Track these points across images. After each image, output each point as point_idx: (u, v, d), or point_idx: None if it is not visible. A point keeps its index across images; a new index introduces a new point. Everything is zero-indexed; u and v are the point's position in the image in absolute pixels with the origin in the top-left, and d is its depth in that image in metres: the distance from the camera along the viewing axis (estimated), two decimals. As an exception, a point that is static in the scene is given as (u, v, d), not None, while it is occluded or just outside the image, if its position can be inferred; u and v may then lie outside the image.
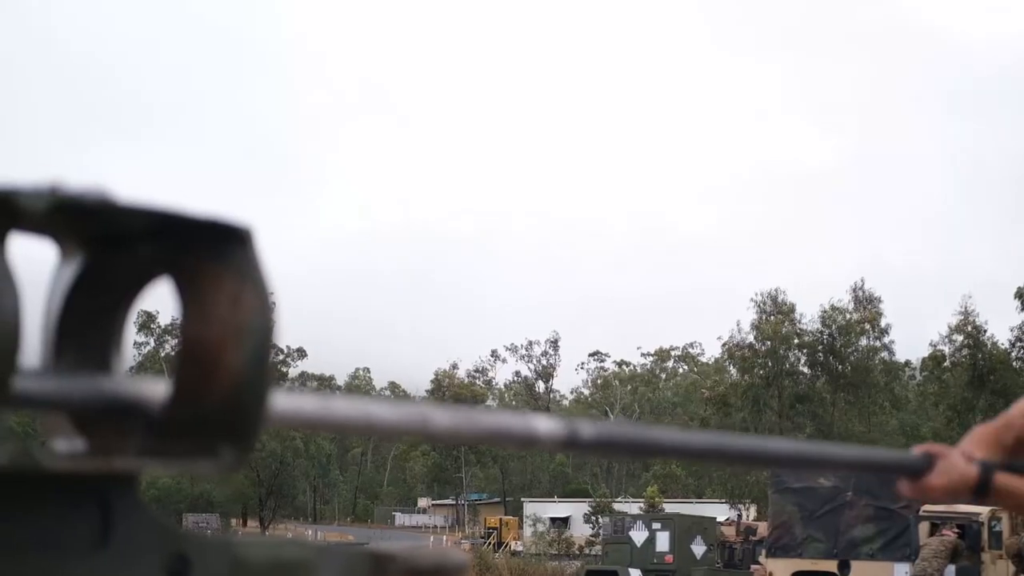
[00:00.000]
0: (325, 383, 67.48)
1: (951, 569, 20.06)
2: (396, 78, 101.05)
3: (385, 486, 68.04)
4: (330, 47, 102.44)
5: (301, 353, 61.96)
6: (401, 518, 59.39)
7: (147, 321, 63.29)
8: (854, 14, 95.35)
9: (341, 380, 71.96)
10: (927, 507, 20.88)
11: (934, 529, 19.78)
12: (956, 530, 19.96)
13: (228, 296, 0.75)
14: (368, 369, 74.81)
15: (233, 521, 60.28)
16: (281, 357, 61.52)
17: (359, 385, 73.09)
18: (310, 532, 52.54)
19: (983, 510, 20.78)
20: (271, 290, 0.77)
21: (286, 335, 61.23)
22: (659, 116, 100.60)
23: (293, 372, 63.81)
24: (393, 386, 72.69)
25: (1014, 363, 54.41)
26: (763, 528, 26.70)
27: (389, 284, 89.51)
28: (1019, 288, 38.94)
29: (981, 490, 3.26)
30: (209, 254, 0.74)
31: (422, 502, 65.48)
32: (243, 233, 0.74)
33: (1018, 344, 54.44)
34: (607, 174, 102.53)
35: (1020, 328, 52.60)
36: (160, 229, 0.74)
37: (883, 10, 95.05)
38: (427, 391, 67.96)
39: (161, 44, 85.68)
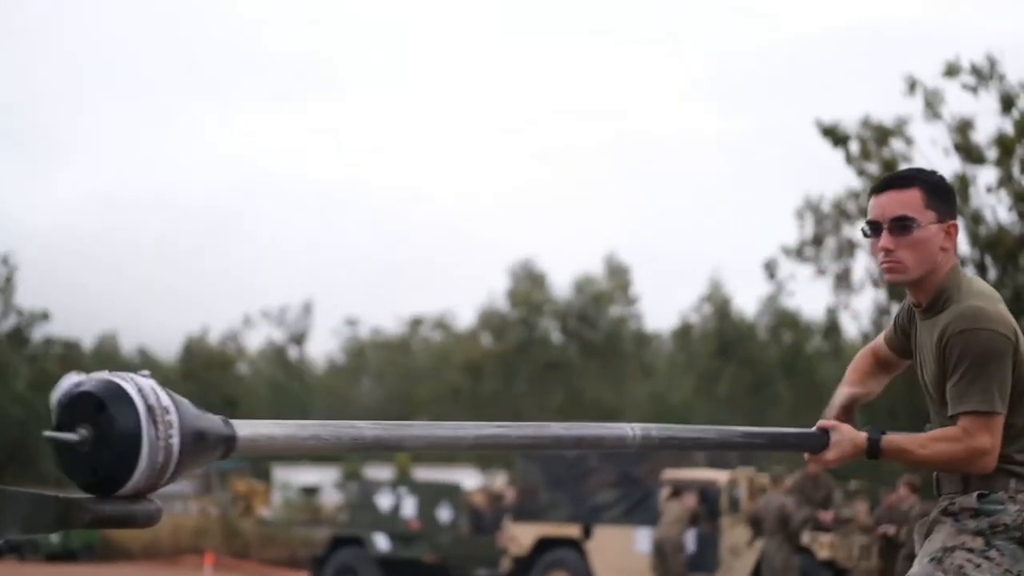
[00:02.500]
0: (71, 347, 65.75)
1: (691, 534, 20.50)
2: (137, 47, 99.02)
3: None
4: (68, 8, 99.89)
5: (45, 316, 60.25)
6: (148, 484, 58.34)
7: None
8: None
9: (88, 344, 70.35)
10: (668, 473, 21.30)
11: (674, 495, 20.16)
12: (696, 496, 20.40)
13: None
14: (115, 334, 73.20)
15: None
16: (23, 319, 59.81)
17: (105, 351, 71.53)
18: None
19: (722, 476, 21.26)
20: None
21: (28, 296, 59.51)
22: (415, 82, 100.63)
23: (36, 335, 62.01)
24: (142, 352, 71.29)
25: (759, 333, 55.91)
26: (511, 494, 26.95)
27: (140, 247, 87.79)
28: (766, 260, 39.87)
29: (873, 453, 4.02)
30: None
31: (170, 468, 64.53)
32: None
33: (763, 315, 55.97)
34: (362, 137, 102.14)
35: (766, 300, 54.05)
36: None
37: None
38: (178, 357, 66.85)
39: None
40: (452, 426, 3.06)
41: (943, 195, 4.07)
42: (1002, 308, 3.94)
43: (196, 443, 2.43)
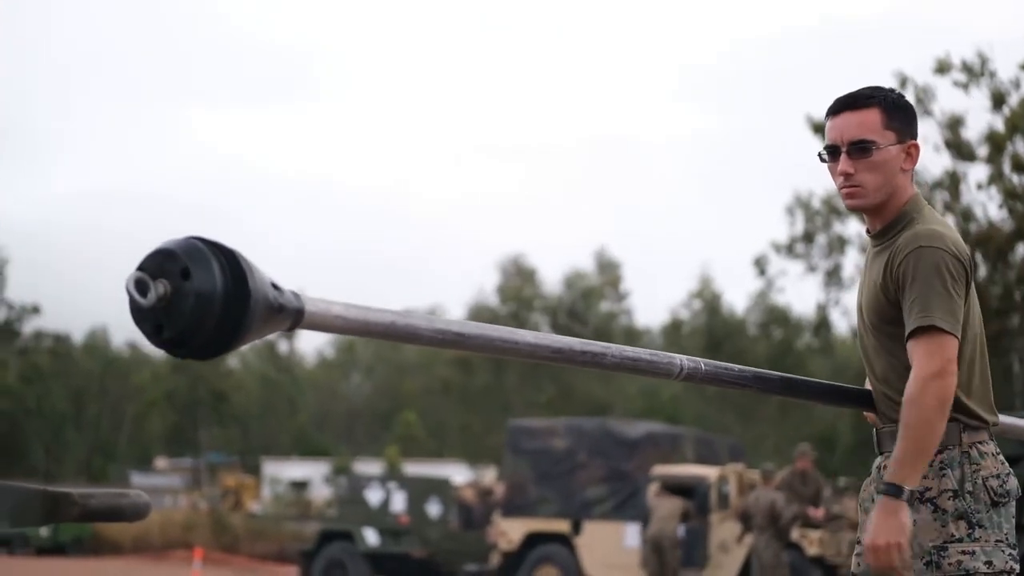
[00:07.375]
0: (62, 341, 65.73)
1: (681, 530, 20.51)
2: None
3: (123, 445, 66.79)
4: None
5: (35, 309, 60.18)
6: (138, 478, 58.39)
7: None
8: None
9: (79, 338, 70.33)
10: (658, 469, 21.31)
11: (663, 491, 20.16)
12: (685, 492, 20.41)
13: None
14: (106, 328, 73.14)
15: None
16: (13, 313, 59.73)
17: (96, 345, 71.49)
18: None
19: (712, 472, 21.27)
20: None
21: (19, 290, 59.44)
22: (406, 79, 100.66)
23: (27, 329, 61.91)
24: (132, 346, 71.19)
25: (749, 329, 55.91)
26: (500, 489, 26.94)
27: (129, 242, 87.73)
28: (756, 256, 39.92)
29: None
30: None
31: (159, 462, 64.44)
32: None
33: (753, 312, 55.97)
34: (352, 133, 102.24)
35: (756, 296, 54.05)
36: None
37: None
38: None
39: None
40: (508, 331, 3.07)
41: (903, 113, 3.87)
42: (959, 239, 3.78)
43: (266, 315, 2.48)
